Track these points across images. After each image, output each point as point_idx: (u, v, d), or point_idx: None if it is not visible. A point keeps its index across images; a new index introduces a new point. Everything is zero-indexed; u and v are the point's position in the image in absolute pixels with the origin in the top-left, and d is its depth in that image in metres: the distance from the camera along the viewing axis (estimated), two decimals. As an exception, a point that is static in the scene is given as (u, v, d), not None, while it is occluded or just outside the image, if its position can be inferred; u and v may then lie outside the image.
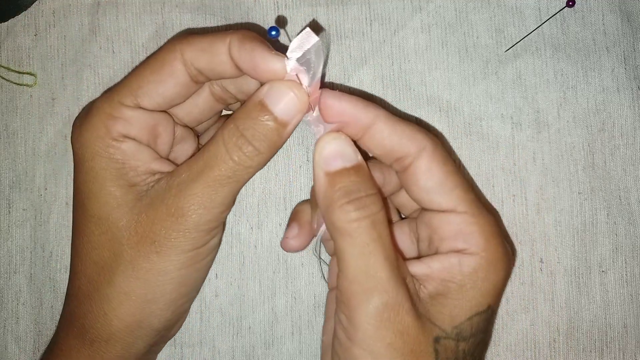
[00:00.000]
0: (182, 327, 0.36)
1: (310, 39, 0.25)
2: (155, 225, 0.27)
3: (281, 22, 0.37)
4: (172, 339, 0.36)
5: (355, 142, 0.28)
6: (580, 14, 0.38)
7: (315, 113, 0.28)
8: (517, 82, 0.37)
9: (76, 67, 0.38)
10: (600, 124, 0.37)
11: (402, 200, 0.32)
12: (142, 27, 0.38)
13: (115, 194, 0.28)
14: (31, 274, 0.37)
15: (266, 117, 0.26)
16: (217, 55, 0.27)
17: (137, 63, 0.38)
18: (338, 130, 0.28)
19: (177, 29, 0.37)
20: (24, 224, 0.37)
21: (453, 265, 0.27)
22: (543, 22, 0.37)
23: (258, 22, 0.37)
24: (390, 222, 0.32)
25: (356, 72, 0.37)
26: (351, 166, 0.27)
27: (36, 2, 0.37)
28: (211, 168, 0.27)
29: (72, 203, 0.37)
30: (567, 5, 0.37)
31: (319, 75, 0.26)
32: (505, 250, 0.28)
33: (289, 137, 0.27)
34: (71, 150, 0.37)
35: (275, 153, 0.28)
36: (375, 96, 0.37)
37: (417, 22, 0.38)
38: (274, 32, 0.27)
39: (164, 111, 0.30)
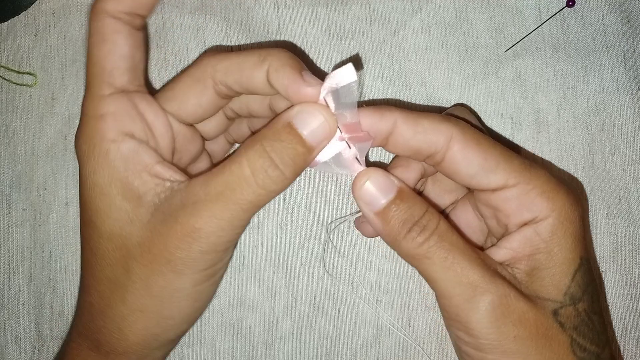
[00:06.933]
0: (182, 327, 0.37)
1: (349, 75, 0.25)
2: (169, 244, 0.26)
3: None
4: (172, 339, 0.36)
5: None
6: (580, 14, 0.38)
7: (352, 151, 0.27)
8: (517, 82, 0.37)
9: (76, 67, 0.37)
10: (600, 124, 0.37)
11: (448, 183, 0.32)
12: (142, 27, 0.38)
13: (126, 208, 0.26)
14: (31, 274, 0.37)
15: (295, 140, 0.26)
16: (252, 77, 0.27)
17: (137, 63, 0.38)
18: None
19: (177, 29, 0.37)
20: (23, 224, 0.37)
21: (531, 237, 0.27)
22: (543, 22, 0.37)
23: (258, 22, 0.37)
24: (449, 220, 0.32)
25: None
26: (394, 196, 0.27)
27: (36, 2, 0.37)
28: (233, 190, 0.25)
29: (71, 203, 0.37)
30: (567, 5, 0.37)
31: (355, 113, 0.26)
32: (569, 196, 0.27)
33: (312, 162, 0.27)
34: (71, 150, 0.37)
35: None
36: (390, 99, 0.38)
37: (417, 22, 0.38)
38: None
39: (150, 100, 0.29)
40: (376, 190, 0.27)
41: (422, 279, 0.36)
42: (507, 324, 0.25)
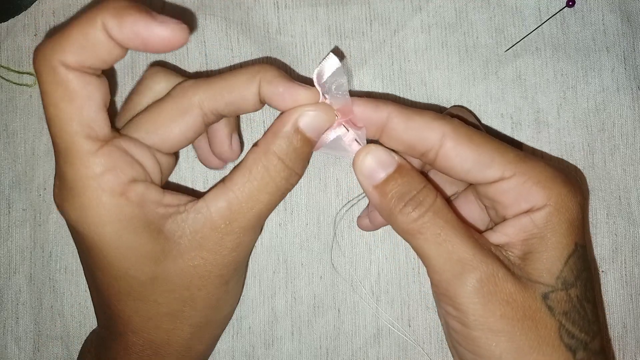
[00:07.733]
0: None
1: (333, 64, 0.27)
2: (219, 264, 0.28)
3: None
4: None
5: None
6: (580, 14, 0.38)
7: (350, 134, 0.28)
8: (517, 82, 0.37)
9: (76, 67, 0.37)
10: (600, 124, 0.37)
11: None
12: (142, 27, 0.38)
13: (158, 248, 0.27)
14: (31, 274, 0.37)
15: (306, 144, 0.27)
16: (244, 96, 0.27)
17: (137, 63, 0.38)
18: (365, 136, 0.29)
19: (177, 28, 0.37)
20: (23, 224, 0.37)
21: (526, 224, 0.27)
22: (543, 22, 0.37)
23: (258, 22, 0.37)
24: (449, 202, 0.32)
25: (356, 72, 0.37)
26: (393, 170, 0.28)
27: (36, 2, 0.37)
28: (259, 202, 0.27)
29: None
30: (567, 5, 0.37)
31: (347, 97, 0.27)
32: (566, 184, 0.27)
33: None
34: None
35: None
36: (390, 94, 0.38)
37: (417, 22, 0.38)
38: None
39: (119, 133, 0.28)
40: (376, 164, 0.28)
41: (422, 279, 0.37)
42: (493, 302, 0.26)
